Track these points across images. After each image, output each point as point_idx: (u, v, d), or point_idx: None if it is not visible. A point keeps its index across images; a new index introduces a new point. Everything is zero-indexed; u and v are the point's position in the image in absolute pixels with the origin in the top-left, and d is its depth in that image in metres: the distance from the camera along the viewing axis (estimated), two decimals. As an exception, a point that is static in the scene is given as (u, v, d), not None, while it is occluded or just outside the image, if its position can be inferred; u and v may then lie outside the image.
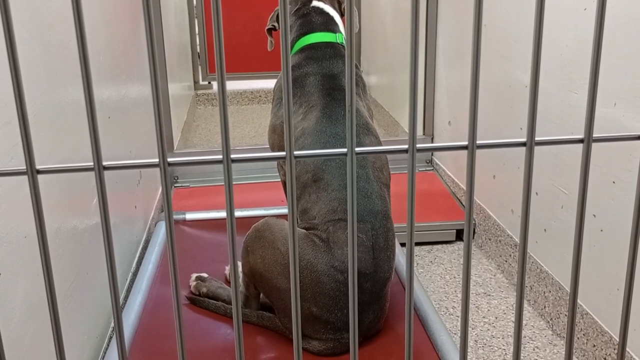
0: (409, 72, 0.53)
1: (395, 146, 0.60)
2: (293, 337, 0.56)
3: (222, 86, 0.56)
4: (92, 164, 0.56)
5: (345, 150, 0.58)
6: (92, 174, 1.51)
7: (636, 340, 1.40)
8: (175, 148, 2.63)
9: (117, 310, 0.56)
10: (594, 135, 0.59)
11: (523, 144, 0.59)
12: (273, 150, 1.64)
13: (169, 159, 0.57)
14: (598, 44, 0.53)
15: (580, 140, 0.59)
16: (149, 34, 0.53)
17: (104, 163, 0.57)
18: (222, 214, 2.09)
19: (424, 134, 2.73)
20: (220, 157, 0.57)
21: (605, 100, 1.47)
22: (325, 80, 1.53)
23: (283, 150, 1.57)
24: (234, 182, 2.53)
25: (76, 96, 1.40)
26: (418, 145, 0.59)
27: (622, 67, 1.41)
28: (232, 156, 0.57)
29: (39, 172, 0.55)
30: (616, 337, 1.46)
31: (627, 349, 1.42)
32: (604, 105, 1.47)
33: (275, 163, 1.80)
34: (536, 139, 0.59)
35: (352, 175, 0.58)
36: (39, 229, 0.55)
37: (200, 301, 1.58)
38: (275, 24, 1.72)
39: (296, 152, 0.59)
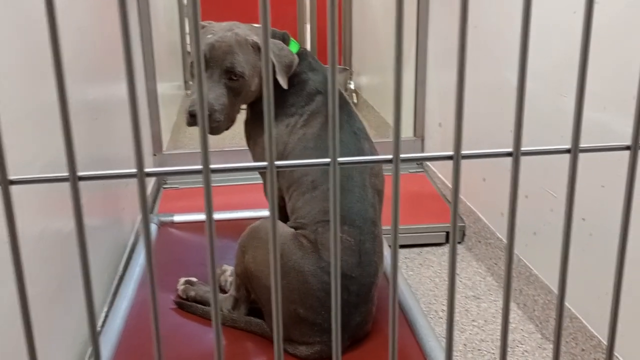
0: (393, 76, 0.52)
1: (380, 156, 0.59)
2: (274, 338, 0.55)
3: (200, 92, 0.55)
4: (67, 174, 0.55)
5: (328, 160, 0.57)
6: (81, 169, 1.49)
7: (625, 344, 1.40)
8: (164, 149, 2.61)
9: (94, 327, 0.55)
10: (581, 146, 0.58)
11: (509, 154, 0.58)
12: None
13: (147, 169, 0.56)
14: (584, 56, 0.52)
15: (567, 151, 0.58)
16: (125, 35, 0.52)
17: (79, 173, 0.55)
18: (214, 216, 2.07)
19: (414, 136, 2.72)
20: (200, 167, 0.56)
21: (595, 104, 1.46)
22: (325, 86, 1.53)
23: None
24: (224, 184, 2.52)
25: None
26: (402, 155, 0.58)
27: (611, 70, 1.40)
28: (212, 166, 0.56)
29: (12, 182, 0.54)
30: (605, 341, 1.45)
31: (616, 353, 1.42)
32: (593, 109, 1.47)
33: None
34: (522, 149, 0.58)
35: (336, 185, 0.57)
36: (12, 241, 0.53)
37: (188, 306, 1.56)
38: None
39: (277, 162, 0.57)
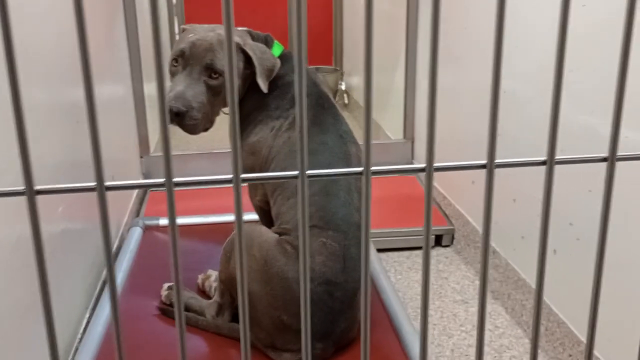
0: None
1: (352, 169, 0.57)
2: (240, 339, 0.53)
3: (162, 101, 0.53)
4: (23, 187, 0.53)
5: (296, 173, 0.55)
6: (60, 174, 1.47)
7: (613, 350, 1.38)
8: (152, 150, 2.58)
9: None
10: (557, 157, 0.57)
11: (483, 166, 0.56)
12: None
13: (107, 183, 0.54)
14: (559, 69, 0.51)
15: (543, 163, 0.56)
16: (81, 34, 0.50)
17: (37, 187, 0.53)
18: (198, 219, 2.05)
19: (404, 138, 2.71)
20: (162, 180, 0.54)
21: (583, 107, 1.45)
22: (311, 88, 1.50)
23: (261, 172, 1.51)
24: (209, 186, 2.49)
25: (41, 99, 1.36)
26: (373, 168, 0.56)
27: (599, 73, 1.39)
28: (175, 179, 0.54)
29: (-36, 197, 0.52)
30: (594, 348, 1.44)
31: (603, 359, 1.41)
32: (582, 112, 1.45)
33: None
34: (496, 161, 0.56)
35: (304, 198, 0.55)
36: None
37: (171, 312, 1.54)
38: None
39: (243, 175, 0.56)
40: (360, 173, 0.56)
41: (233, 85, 0.52)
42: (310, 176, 0.56)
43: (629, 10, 0.51)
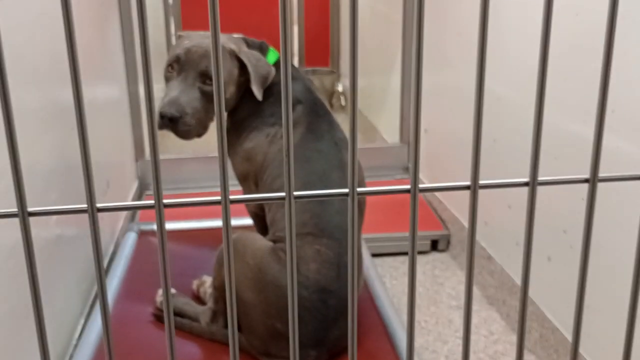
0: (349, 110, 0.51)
1: (338, 190, 0.58)
2: (229, 342, 0.54)
3: (151, 120, 0.54)
4: (15, 209, 0.54)
5: (283, 194, 0.56)
6: (55, 179, 1.48)
7: (609, 357, 1.40)
8: (147, 153, 2.59)
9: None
10: (539, 179, 0.58)
11: (467, 188, 0.57)
12: (245, 181, 1.56)
13: (98, 205, 0.54)
14: (542, 89, 0.52)
15: (526, 184, 0.57)
16: (69, 36, 0.51)
17: (29, 209, 0.54)
18: (193, 224, 2.06)
19: (400, 142, 2.72)
20: (152, 202, 0.55)
21: (575, 116, 1.46)
22: (305, 94, 1.51)
23: (257, 180, 1.53)
24: (206, 190, 2.50)
25: (37, 102, 1.37)
26: (359, 189, 0.57)
27: (592, 82, 1.40)
28: (165, 201, 0.55)
29: (-44, 219, 0.53)
30: (585, 355, 1.45)
31: (595, 367, 1.42)
32: (573, 122, 1.46)
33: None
34: (481, 182, 0.57)
35: (292, 221, 0.56)
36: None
37: (166, 317, 1.55)
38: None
39: (232, 197, 0.56)
40: (345, 194, 0.57)
41: (221, 100, 0.53)
42: (297, 197, 0.57)
43: (609, 28, 0.52)
